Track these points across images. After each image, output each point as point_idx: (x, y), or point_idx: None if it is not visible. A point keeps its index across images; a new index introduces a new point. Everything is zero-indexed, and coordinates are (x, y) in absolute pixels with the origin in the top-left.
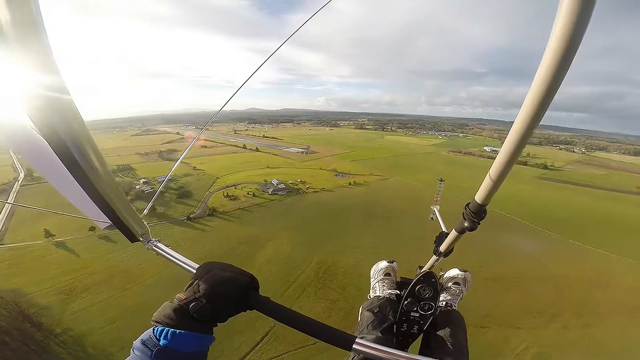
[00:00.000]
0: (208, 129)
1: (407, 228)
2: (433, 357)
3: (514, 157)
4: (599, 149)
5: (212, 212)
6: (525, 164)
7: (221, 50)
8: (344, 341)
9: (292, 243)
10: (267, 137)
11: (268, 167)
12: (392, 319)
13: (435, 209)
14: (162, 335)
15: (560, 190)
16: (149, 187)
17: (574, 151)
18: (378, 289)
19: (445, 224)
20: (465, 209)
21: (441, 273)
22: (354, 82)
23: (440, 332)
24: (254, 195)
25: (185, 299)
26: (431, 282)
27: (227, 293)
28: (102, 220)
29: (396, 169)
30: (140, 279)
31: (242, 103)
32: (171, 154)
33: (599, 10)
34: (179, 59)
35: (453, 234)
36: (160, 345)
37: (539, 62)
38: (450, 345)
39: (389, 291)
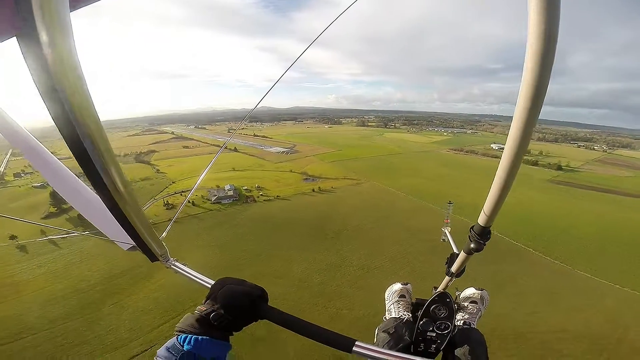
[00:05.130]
0: (204, 128)
1: (353, 252)
2: None
3: (509, 180)
4: (622, 147)
5: None
6: (535, 163)
7: (230, 49)
8: (345, 343)
9: (201, 266)
10: (257, 136)
11: (233, 169)
12: (408, 339)
13: (446, 230)
14: (186, 341)
15: (575, 198)
16: None
17: (594, 149)
18: (394, 310)
19: (456, 245)
20: (470, 231)
21: (457, 293)
22: (365, 79)
23: (459, 350)
24: (192, 204)
25: (205, 310)
26: (445, 302)
27: (241, 305)
28: (124, 242)
29: (377, 172)
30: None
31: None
32: (146, 156)
33: (616, 6)
34: (190, 59)
35: (462, 255)
36: (184, 350)
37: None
38: None
39: (405, 312)
